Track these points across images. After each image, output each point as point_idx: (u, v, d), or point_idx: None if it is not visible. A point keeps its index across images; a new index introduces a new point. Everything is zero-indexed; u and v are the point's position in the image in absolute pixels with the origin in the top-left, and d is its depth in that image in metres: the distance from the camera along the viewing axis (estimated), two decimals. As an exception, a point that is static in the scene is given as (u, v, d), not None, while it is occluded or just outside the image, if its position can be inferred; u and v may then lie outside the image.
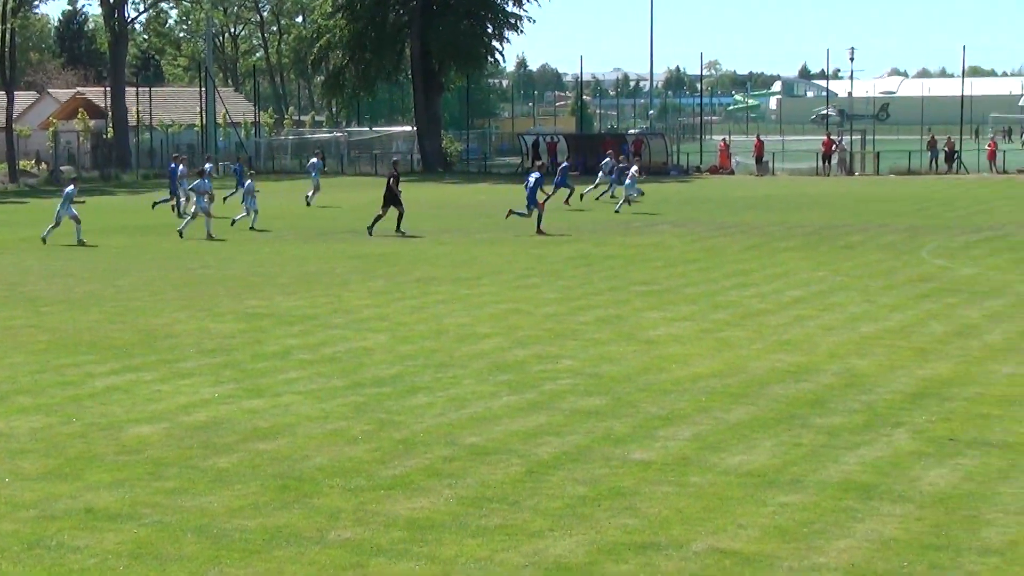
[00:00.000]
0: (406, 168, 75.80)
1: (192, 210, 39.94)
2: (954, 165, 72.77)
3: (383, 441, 14.75)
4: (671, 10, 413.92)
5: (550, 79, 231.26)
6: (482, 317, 23.73)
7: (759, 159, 74.97)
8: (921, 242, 35.16)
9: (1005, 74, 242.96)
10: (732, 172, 74.49)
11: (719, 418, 15.70)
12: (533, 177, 39.95)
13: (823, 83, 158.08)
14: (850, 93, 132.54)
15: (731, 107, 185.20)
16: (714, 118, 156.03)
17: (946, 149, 73.68)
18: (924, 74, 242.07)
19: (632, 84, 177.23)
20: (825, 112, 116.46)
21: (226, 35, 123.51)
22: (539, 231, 38.54)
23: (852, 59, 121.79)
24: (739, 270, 30.09)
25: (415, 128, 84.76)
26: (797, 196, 54.03)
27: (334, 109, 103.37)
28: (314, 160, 56.87)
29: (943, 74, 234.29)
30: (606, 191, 52.48)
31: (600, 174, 54.27)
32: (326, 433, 15.14)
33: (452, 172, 78.91)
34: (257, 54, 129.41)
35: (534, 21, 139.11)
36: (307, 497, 12.67)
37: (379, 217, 39.23)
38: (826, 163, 72.81)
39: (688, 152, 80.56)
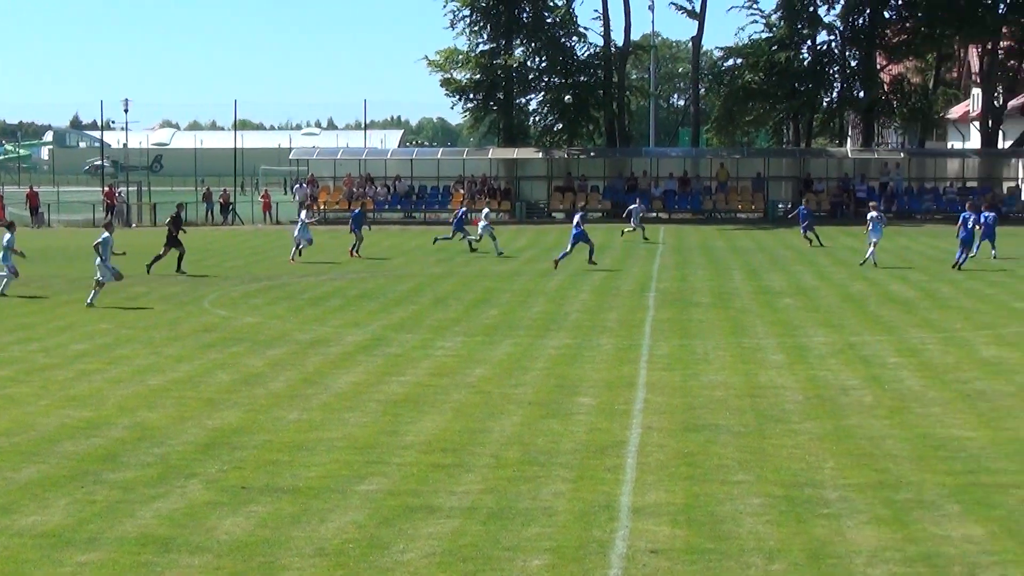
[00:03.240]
0: None
1: None
2: (229, 216, 74.36)
3: None
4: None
5: None
6: None
7: (34, 210, 73.30)
8: (203, 293, 35.66)
9: (273, 128, 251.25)
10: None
11: (9, 478, 15.22)
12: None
13: (96, 134, 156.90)
14: (124, 144, 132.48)
15: (1, 157, 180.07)
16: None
17: (221, 201, 75.21)
18: (196, 127, 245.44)
19: None
20: (99, 163, 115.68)
21: None
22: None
23: (127, 110, 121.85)
24: (22, 324, 29.30)
25: None
26: (75, 248, 53.22)
27: None
28: None
29: (214, 127, 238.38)
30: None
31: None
32: None
33: None
34: None
35: None
36: None
37: (159, 257, 41.93)
38: (108, 214, 72.22)
39: (-42, 203, 77.32)
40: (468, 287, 37.06)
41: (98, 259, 33.22)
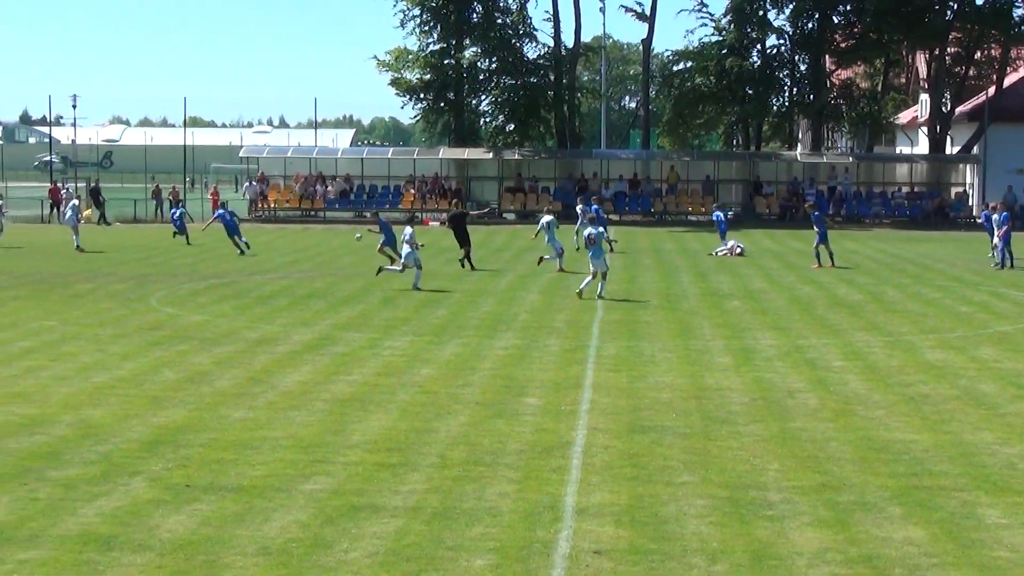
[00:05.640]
0: None
1: None
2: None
3: None
4: None
5: None
6: None
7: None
8: (150, 290, 35.46)
9: (224, 125, 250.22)
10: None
11: (-50, 476, 15.11)
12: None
13: (46, 129, 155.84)
14: (73, 140, 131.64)
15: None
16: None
17: (171, 198, 74.66)
18: (146, 123, 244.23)
19: None
20: (48, 159, 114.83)
21: None
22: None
23: (75, 106, 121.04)
24: (-37, 321, 29.05)
25: None
26: (24, 244, 52.86)
27: None
28: None
29: (165, 124, 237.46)
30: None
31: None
32: None
33: None
34: None
35: None
36: None
37: (467, 254, 42.76)
38: (54, 210, 71.45)
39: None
40: (417, 287, 36.96)
41: None
